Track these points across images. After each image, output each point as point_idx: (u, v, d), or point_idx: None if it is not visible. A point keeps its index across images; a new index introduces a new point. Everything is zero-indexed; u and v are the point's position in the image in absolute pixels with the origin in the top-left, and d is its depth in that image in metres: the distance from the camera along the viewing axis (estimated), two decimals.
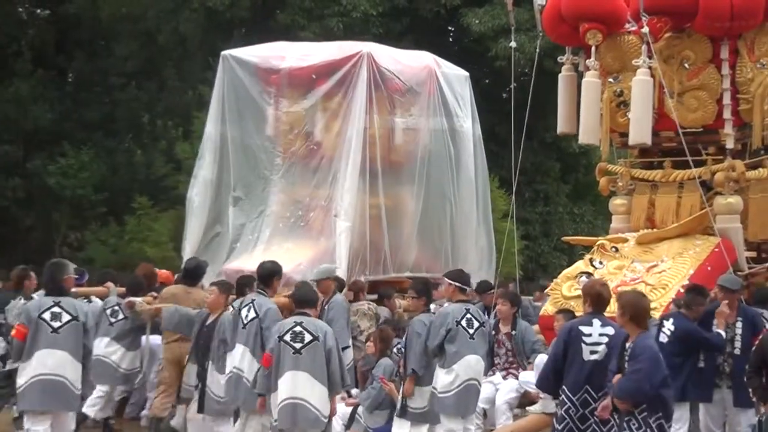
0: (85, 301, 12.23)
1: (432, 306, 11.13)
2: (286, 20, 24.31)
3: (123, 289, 12.73)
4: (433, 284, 13.81)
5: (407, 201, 15.69)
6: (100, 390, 11.96)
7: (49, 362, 9.55)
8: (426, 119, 15.75)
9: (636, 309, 7.83)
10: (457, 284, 10.11)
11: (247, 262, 14.09)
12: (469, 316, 9.91)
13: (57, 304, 9.67)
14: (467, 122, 16.12)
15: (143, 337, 12.39)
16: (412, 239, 15.51)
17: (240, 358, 9.87)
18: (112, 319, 12.17)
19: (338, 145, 14.88)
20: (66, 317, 9.61)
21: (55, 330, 9.57)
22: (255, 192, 15.45)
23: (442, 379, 9.81)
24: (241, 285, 11.01)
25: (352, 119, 14.76)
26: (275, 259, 11.79)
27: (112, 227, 23.33)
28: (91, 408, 11.86)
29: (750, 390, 9.25)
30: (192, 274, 12.28)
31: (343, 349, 10.25)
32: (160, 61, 25.20)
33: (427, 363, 10.14)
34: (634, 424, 7.65)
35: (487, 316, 11.82)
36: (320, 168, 15.08)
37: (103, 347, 11.89)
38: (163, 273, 14.81)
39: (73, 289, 12.74)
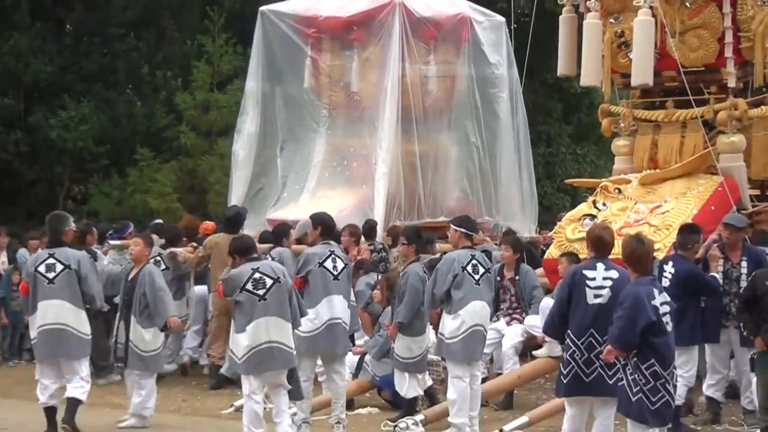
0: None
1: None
2: None
3: (163, 241, 13.11)
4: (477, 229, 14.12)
5: (445, 147, 16.01)
6: None
7: (49, 313, 9.78)
8: (462, 66, 15.99)
9: (631, 256, 7.87)
10: (462, 230, 10.10)
11: (292, 212, 14.58)
12: (474, 262, 9.92)
13: (51, 255, 9.88)
14: (503, 68, 16.24)
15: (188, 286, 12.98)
16: (451, 185, 15.77)
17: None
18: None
19: (376, 94, 15.24)
20: (59, 267, 9.81)
21: (50, 281, 9.80)
22: (300, 143, 15.89)
23: (449, 324, 9.85)
24: (277, 234, 11.90)
25: (388, 68, 15.09)
26: (318, 207, 12.42)
27: (115, 179, 23.25)
28: None
29: (741, 325, 9.31)
30: (233, 222, 12.74)
31: None
32: (158, 11, 24.97)
33: (416, 314, 10.25)
34: (628, 370, 7.71)
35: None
36: (362, 118, 15.50)
37: None
38: (207, 224, 15.20)
39: (115, 242, 13.10)
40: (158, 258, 12.71)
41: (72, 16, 25.63)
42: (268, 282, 9.20)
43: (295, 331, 9.51)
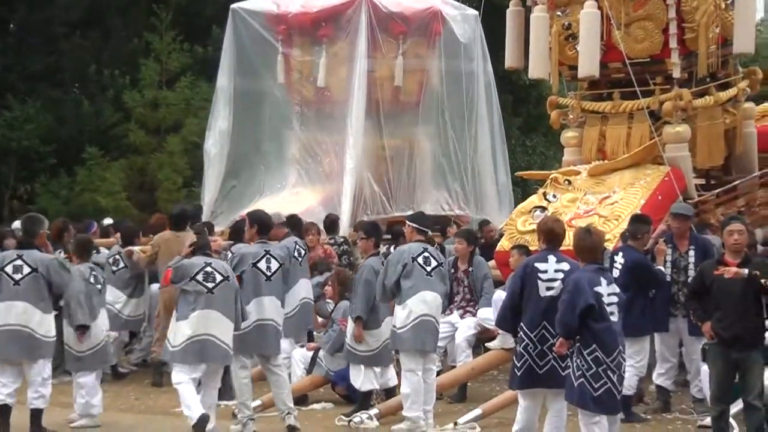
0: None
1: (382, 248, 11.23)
2: None
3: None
4: (450, 222, 14.23)
5: (418, 141, 16.11)
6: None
7: (12, 313, 9.73)
8: (434, 60, 16.05)
9: (579, 247, 8.02)
10: (415, 225, 10.17)
11: (271, 209, 14.32)
12: (426, 254, 9.94)
13: (20, 257, 9.83)
14: (478, 61, 16.28)
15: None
16: (424, 179, 15.82)
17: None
18: (114, 268, 12.81)
19: (345, 89, 15.38)
20: (26, 269, 9.75)
21: (16, 282, 9.73)
22: (274, 140, 16.05)
23: (399, 315, 9.88)
24: (237, 230, 11.90)
25: (355, 64, 15.26)
26: (295, 204, 12.74)
27: (63, 178, 23.04)
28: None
29: (690, 312, 9.44)
30: (177, 220, 12.65)
31: None
32: (104, 9, 24.75)
33: (373, 307, 10.26)
34: (575, 357, 7.82)
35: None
36: (332, 113, 15.66)
37: (108, 295, 12.06)
38: None
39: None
40: (117, 256, 12.85)
41: (15, 15, 25.34)
42: (218, 278, 9.38)
43: None
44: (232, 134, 16.16)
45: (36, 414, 9.79)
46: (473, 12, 16.62)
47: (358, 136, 15.12)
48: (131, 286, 12.89)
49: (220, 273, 9.41)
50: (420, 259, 9.89)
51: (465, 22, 16.38)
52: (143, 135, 22.32)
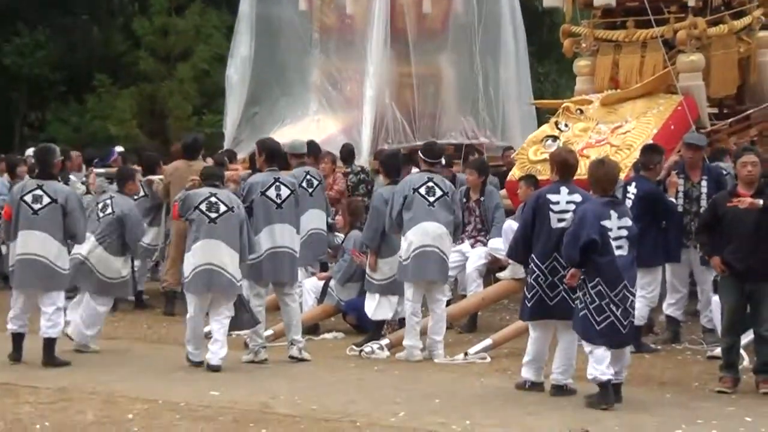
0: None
1: None
2: None
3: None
4: (477, 151, 14.17)
5: (443, 69, 16.00)
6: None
7: (29, 243, 9.78)
8: None
9: (590, 177, 8.03)
10: (422, 156, 10.16)
11: (294, 136, 14.34)
12: (430, 184, 9.91)
13: (40, 187, 9.85)
14: None
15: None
16: (449, 107, 15.74)
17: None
18: (134, 197, 12.49)
19: (368, 16, 15.21)
20: (46, 200, 9.77)
21: (35, 212, 9.77)
22: (295, 67, 15.89)
23: (402, 246, 9.93)
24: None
25: None
26: (317, 131, 12.95)
27: (73, 106, 23.02)
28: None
29: (699, 245, 9.42)
30: (190, 149, 12.51)
31: None
32: None
33: (382, 235, 10.23)
34: (580, 289, 7.85)
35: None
36: (353, 41, 15.53)
37: None
38: None
39: (100, 170, 13.49)
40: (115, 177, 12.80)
41: None
42: (222, 208, 9.48)
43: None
44: (254, 61, 16.07)
45: (49, 343, 9.86)
46: None
47: (379, 64, 15.01)
48: (151, 215, 12.90)
49: (224, 203, 9.49)
50: (422, 190, 9.88)
51: None
52: (153, 62, 22.23)
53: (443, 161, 10.96)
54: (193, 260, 9.48)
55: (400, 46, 15.44)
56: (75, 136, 22.15)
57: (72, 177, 13.57)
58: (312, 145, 12.96)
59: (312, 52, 15.87)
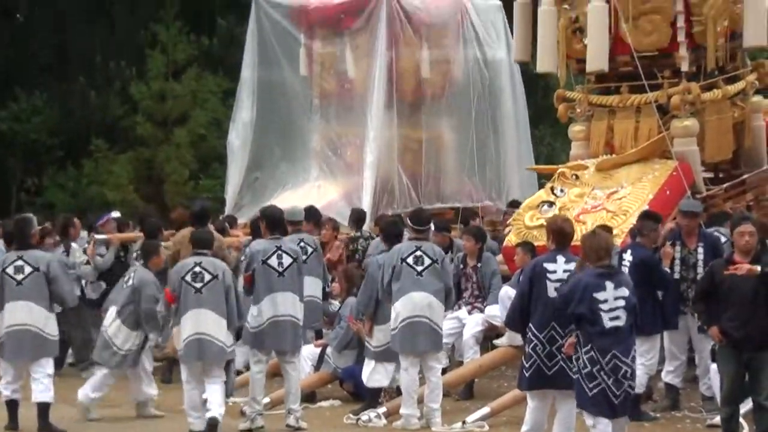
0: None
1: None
2: None
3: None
4: (474, 214, 14.24)
5: (444, 132, 16.10)
6: None
7: (17, 314, 9.92)
8: (457, 51, 16.04)
9: (581, 246, 8.02)
10: (409, 224, 10.24)
11: (293, 202, 14.38)
12: (419, 253, 9.93)
13: (20, 257, 10.02)
14: (501, 51, 16.32)
15: None
16: (451, 170, 15.81)
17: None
18: (138, 263, 12.54)
19: (367, 81, 15.32)
20: (28, 269, 9.95)
21: (19, 282, 9.93)
22: (296, 132, 16.00)
23: (392, 316, 9.94)
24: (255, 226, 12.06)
25: (376, 55, 15.20)
26: (318, 197, 13.02)
27: (70, 171, 23.10)
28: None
29: (696, 315, 9.39)
30: (198, 217, 12.40)
31: None
32: (112, 0, 24.76)
33: (376, 302, 10.21)
34: (576, 354, 7.82)
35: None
36: (353, 106, 15.60)
37: None
38: None
39: (101, 236, 13.57)
40: (138, 252, 12.69)
41: (21, 8, 25.33)
42: (207, 277, 9.59)
43: (245, 325, 9.90)
44: (255, 126, 16.19)
45: (43, 408, 9.93)
46: (496, 2, 16.58)
47: (379, 129, 15.11)
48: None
49: (208, 272, 9.61)
50: (410, 260, 9.90)
51: (488, 12, 16.35)
52: (150, 127, 22.36)
53: (432, 227, 10.97)
54: (185, 330, 9.56)
55: (401, 110, 15.54)
56: (72, 201, 22.22)
57: (73, 245, 13.54)
58: (311, 211, 12.99)
59: (312, 117, 15.99)
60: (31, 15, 25.15)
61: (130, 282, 10.65)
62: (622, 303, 7.76)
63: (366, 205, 14.54)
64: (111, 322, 10.58)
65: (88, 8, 24.72)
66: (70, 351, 13.53)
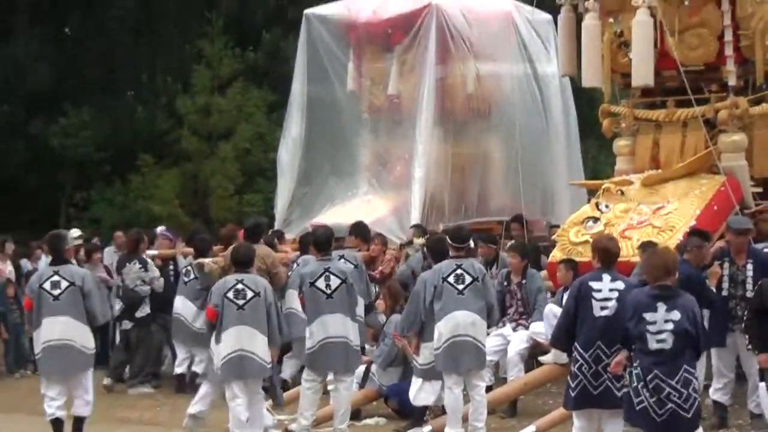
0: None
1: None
2: None
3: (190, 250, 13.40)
4: (519, 222, 14.26)
5: (493, 147, 16.07)
6: (182, 350, 13.03)
7: (55, 329, 10.03)
8: (507, 65, 16.02)
9: (644, 266, 8.04)
10: (450, 242, 10.19)
11: (343, 216, 14.76)
12: (459, 271, 9.91)
13: (56, 273, 10.13)
14: (552, 65, 16.22)
15: None
16: (500, 185, 15.81)
17: None
18: (186, 279, 13.01)
19: (416, 97, 15.34)
20: (64, 284, 10.04)
21: (56, 297, 10.04)
22: (346, 147, 16.04)
23: (435, 336, 9.93)
24: (303, 243, 12.34)
25: (425, 71, 15.21)
26: (367, 212, 13.18)
27: (117, 186, 23.30)
28: (178, 367, 13.06)
29: (747, 337, 9.27)
30: (251, 233, 12.25)
31: None
32: (158, 16, 24.98)
33: (422, 320, 10.15)
34: (627, 368, 7.80)
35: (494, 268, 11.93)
36: (402, 121, 15.64)
37: (179, 305, 12.83)
38: None
39: (152, 252, 13.89)
40: (188, 267, 13.02)
41: (70, 22, 25.61)
42: (249, 294, 9.64)
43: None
44: (304, 141, 16.27)
45: (79, 422, 10.07)
46: (546, 16, 16.51)
47: (427, 144, 15.13)
48: (202, 297, 12.82)
49: (251, 289, 9.65)
50: (451, 278, 9.89)
51: (538, 26, 16.32)
52: (196, 141, 22.50)
53: (471, 244, 10.94)
54: (224, 348, 9.60)
55: (449, 126, 15.58)
56: (119, 216, 22.41)
57: (147, 259, 13.65)
58: (359, 227, 13.02)
59: (361, 132, 16.03)
60: (80, 31, 25.42)
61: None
62: (671, 326, 7.63)
63: (415, 220, 14.56)
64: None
65: (135, 24, 24.97)
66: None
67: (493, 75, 15.99)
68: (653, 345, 7.63)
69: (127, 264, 13.42)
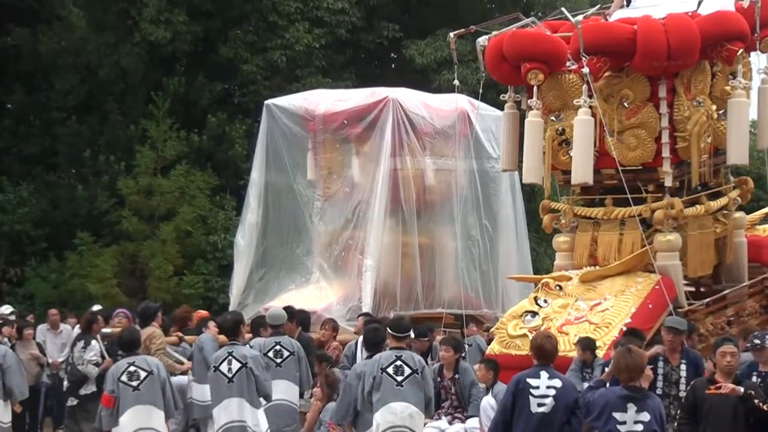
0: None
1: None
2: (229, 54, 24.27)
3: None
4: (478, 321, 14.33)
5: (444, 239, 16.27)
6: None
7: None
8: (460, 160, 16.29)
9: (615, 366, 8.16)
10: (390, 332, 10.22)
11: (294, 302, 14.70)
12: (398, 363, 9.96)
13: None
14: None
15: None
16: (450, 277, 15.94)
17: None
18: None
19: (371, 186, 15.72)
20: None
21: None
22: (301, 234, 16.41)
23: (372, 427, 9.93)
24: (255, 325, 12.48)
25: (381, 161, 15.63)
26: (319, 298, 13.41)
27: (53, 263, 23.02)
28: None
29: None
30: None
31: None
32: (101, 95, 24.93)
33: (355, 411, 10.18)
34: None
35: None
36: (355, 209, 15.94)
37: None
38: (201, 313, 15.21)
39: (106, 330, 13.65)
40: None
41: (13, 98, 25.51)
42: (142, 374, 10.06)
43: None
44: (261, 227, 16.52)
45: None
46: (499, 113, 16.84)
47: (379, 233, 15.42)
48: None
49: (143, 369, 10.11)
50: (390, 369, 9.93)
51: (494, 124, 16.63)
52: (136, 222, 22.34)
53: (412, 334, 11.02)
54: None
55: (403, 215, 15.89)
56: (54, 293, 22.11)
57: (93, 342, 13.33)
58: (292, 312, 13.01)
59: (315, 219, 16.30)
60: (22, 107, 25.32)
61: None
62: (640, 428, 7.73)
63: (366, 307, 14.73)
64: None
65: (78, 103, 24.92)
66: None
67: (446, 169, 16.35)
68: None
69: (77, 342, 13.31)
